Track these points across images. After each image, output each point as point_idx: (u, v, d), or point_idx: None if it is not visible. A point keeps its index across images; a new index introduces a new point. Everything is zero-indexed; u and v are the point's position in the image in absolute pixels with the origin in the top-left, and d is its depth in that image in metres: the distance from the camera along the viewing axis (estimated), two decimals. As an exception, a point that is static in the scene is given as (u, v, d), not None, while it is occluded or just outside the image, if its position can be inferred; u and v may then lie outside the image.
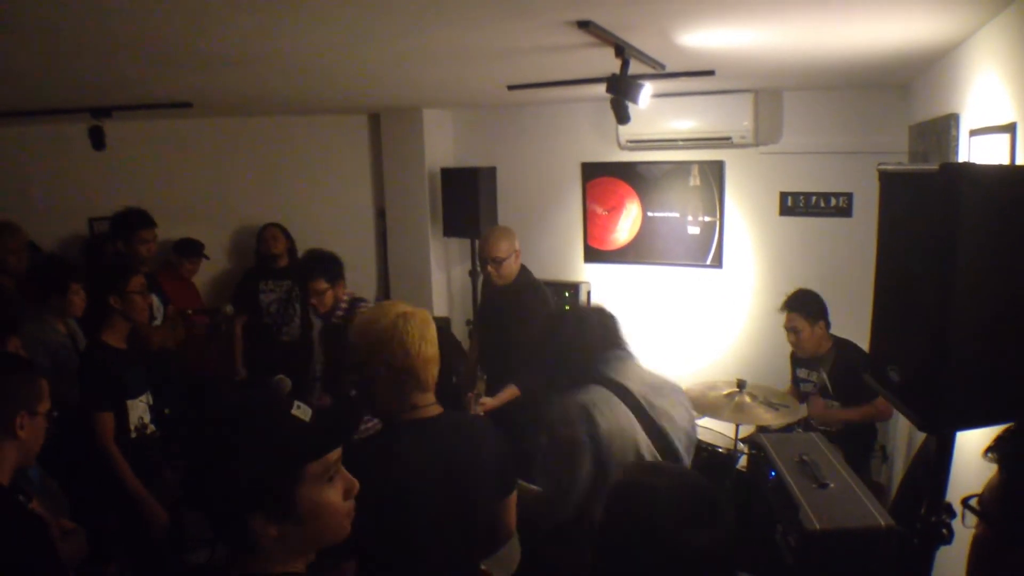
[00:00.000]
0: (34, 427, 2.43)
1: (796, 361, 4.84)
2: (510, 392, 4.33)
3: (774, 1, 2.51)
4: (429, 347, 2.37)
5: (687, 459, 3.07)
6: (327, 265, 4.61)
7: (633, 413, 2.93)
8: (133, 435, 3.80)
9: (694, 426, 3.20)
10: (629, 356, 3.14)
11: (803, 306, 4.56)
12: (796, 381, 4.83)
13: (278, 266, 6.22)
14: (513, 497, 2.64)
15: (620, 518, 1.74)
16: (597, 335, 3.12)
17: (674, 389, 3.14)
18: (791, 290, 4.72)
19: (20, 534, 2.25)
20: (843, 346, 4.53)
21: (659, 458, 2.94)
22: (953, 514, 1.90)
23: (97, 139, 4.91)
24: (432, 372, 2.40)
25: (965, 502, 1.47)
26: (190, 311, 5.40)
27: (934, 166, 1.68)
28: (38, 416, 2.45)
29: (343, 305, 4.66)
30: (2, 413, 2.35)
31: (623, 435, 2.88)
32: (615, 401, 2.93)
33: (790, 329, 4.60)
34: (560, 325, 3.19)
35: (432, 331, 2.41)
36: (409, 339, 2.33)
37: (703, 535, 1.62)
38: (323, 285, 4.54)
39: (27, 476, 2.90)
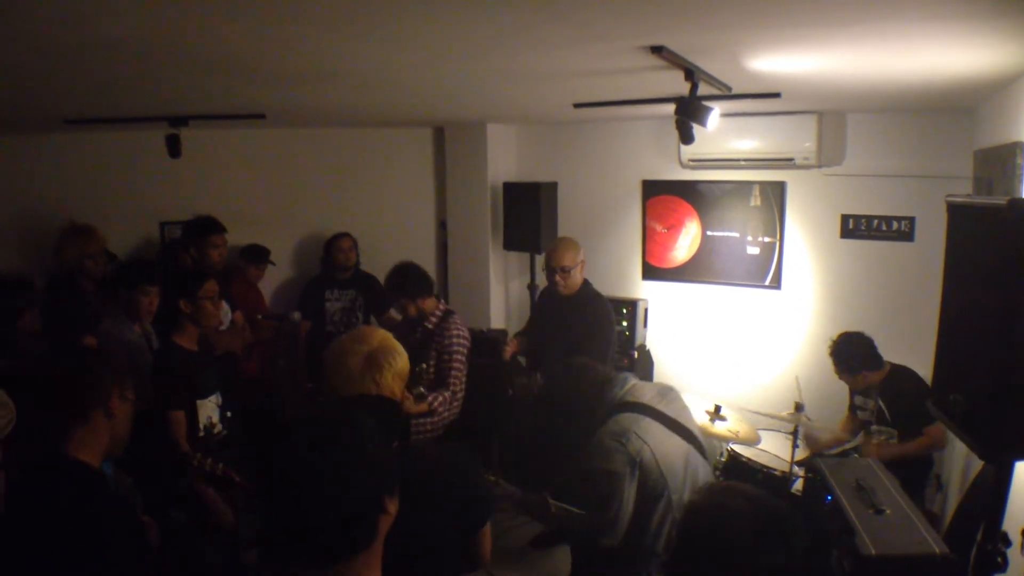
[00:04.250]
0: (124, 411, 2.54)
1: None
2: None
3: (842, 29, 2.55)
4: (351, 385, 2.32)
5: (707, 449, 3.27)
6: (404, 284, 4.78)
7: (661, 424, 3.06)
8: (201, 434, 3.91)
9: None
10: (627, 378, 3.30)
11: (840, 360, 4.56)
12: (853, 408, 4.80)
13: (345, 276, 6.36)
14: (486, 530, 2.49)
15: (694, 538, 1.74)
16: (597, 371, 3.31)
17: (671, 390, 3.34)
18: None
19: (113, 513, 2.39)
20: (897, 372, 4.49)
21: (703, 456, 3.11)
22: (1009, 543, 1.92)
23: (174, 147, 5.08)
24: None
25: None
26: (260, 317, 5.52)
27: (1002, 201, 1.71)
28: (127, 402, 2.56)
29: (434, 317, 4.77)
30: (99, 391, 2.46)
31: (663, 449, 3.00)
32: (645, 421, 3.04)
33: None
34: (571, 378, 3.33)
35: (394, 365, 2.37)
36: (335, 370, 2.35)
37: (777, 556, 1.61)
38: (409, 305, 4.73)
39: (101, 469, 3.03)
